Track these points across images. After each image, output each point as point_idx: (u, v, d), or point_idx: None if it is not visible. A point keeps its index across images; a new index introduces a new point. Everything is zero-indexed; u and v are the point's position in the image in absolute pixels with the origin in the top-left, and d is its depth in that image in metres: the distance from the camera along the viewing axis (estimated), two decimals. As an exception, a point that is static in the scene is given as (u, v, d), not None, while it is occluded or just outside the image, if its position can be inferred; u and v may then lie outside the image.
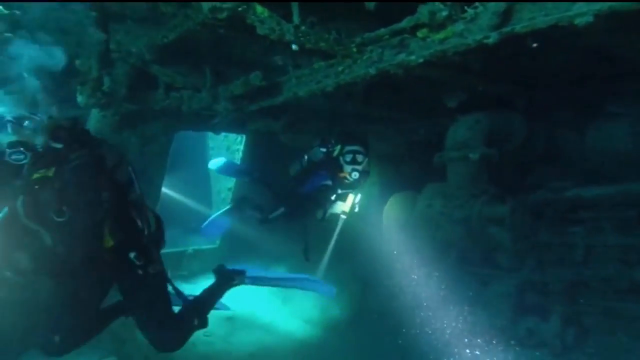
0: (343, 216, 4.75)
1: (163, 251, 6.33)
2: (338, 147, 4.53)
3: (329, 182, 4.55)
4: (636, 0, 1.58)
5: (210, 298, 2.98)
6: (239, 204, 5.11)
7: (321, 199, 4.61)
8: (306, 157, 4.72)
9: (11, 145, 1.98)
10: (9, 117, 2.03)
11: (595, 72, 3.92)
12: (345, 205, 4.69)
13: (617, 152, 4.23)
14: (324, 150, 4.59)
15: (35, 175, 1.98)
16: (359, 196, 4.75)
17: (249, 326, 5.28)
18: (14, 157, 1.97)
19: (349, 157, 4.46)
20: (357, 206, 4.76)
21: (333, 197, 4.65)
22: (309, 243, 4.78)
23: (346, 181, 4.53)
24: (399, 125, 5.32)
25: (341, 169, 4.51)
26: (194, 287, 5.71)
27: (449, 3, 2.12)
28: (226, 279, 3.08)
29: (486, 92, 4.02)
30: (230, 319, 5.28)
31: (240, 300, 5.57)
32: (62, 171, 2.02)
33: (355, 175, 4.44)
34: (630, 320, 3.79)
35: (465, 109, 4.25)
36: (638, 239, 3.69)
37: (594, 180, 4.09)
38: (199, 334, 4.88)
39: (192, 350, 4.70)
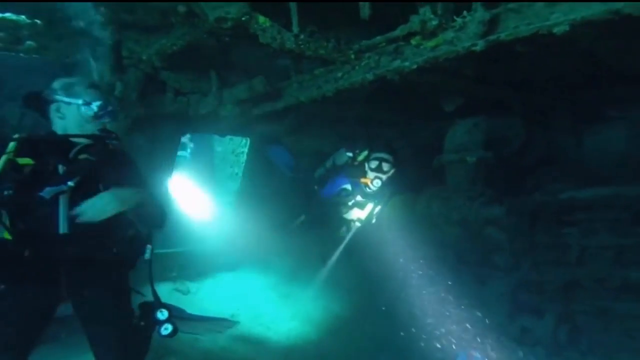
0: (357, 223, 4.45)
1: (169, 250, 6.41)
2: (364, 153, 4.35)
3: (348, 187, 4.35)
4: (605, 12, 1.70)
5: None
6: None
7: (339, 204, 4.40)
8: (332, 160, 4.55)
9: (108, 132, 2.23)
10: (111, 108, 2.24)
11: (592, 76, 4.03)
12: (361, 212, 4.41)
13: (615, 155, 4.33)
14: (350, 154, 4.41)
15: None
16: (378, 208, 4.45)
17: (252, 323, 5.40)
18: (114, 142, 2.21)
19: (374, 164, 4.24)
20: (375, 217, 4.46)
21: (350, 203, 4.39)
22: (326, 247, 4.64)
23: (368, 190, 4.31)
24: (402, 129, 5.42)
25: (364, 175, 4.29)
26: (199, 286, 5.91)
27: (439, 13, 2.26)
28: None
29: (484, 97, 4.14)
30: (233, 316, 5.42)
31: (242, 298, 5.75)
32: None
33: (377, 183, 4.19)
34: (623, 319, 3.87)
35: (464, 113, 4.37)
36: (631, 240, 3.77)
37: (592, 182, 4.19)
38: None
39: (196, 346, 4.84)
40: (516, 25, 2.04)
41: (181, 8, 2.28)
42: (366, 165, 4.29)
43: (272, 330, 5.39)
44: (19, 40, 2.56)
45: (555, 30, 1.87)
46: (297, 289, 6.01)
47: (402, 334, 4.49)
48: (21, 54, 2.61)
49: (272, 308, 5.71)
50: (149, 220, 2.33)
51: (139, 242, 2.29)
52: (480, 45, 2.18)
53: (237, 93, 3.65)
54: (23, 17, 2.53)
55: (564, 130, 4.64)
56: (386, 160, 4.25)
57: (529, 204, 4.26)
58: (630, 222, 3.81)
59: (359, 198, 4.39)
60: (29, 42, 2.56)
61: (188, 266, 5.95)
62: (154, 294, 2.38)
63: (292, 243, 5.53)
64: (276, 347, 5.10)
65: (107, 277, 2.25)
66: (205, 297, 5.77)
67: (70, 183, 2.04)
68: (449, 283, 4.32)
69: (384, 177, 4.23)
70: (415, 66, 2.63)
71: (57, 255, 2.07)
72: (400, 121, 5.18)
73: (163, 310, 2.35)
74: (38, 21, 2.55)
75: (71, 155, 2.11)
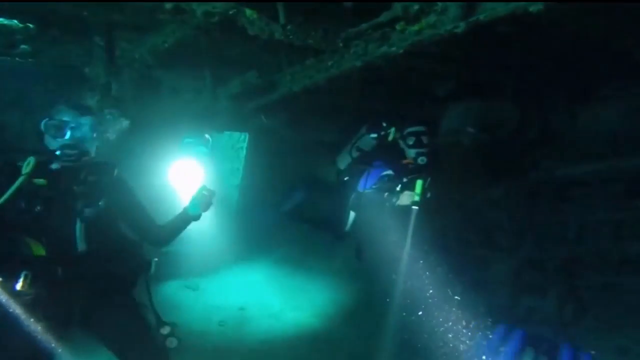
0: (414, 207, 3.88)
1: (177, 248, 6.54)
2: (392, 130, 4.00)
3: (390, 172, 4.00)
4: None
5: None
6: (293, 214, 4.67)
7: (384, 192, 3.96)
8: (355, 146, 4.23)
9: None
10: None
11: (584, 56, 4.03)
12: (414, 194, 3.86)
13: (609, 133, 4.34)
14: (375, 136, 4.06)
15: None
16: (428, 180, 3.97)
17: (260, 315, 5.51)
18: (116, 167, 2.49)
19: (412, 140, 3.88)
20: (428, 192, 3.98)
21: (398, 188, 3.96)
22: (362, 239, 4.19)
23: (411, 166, 3.97)
24: (398, 116, 5.41)
25: (403, 155, 3.95)
26: (208, 282, 6.01)
27: (419, -3, 2.30)
28: None
29: (477, 80, 4.16)
30: (242, 309, 5.53)
31: (250, 291, 5.85)
32: None
33: (423, 160, 3.84)
34: (626, 294, 3.90)
35: (458, 97, 4.39)
36: (628, 214, 3.80)
37: (587, 159, 4.21)
38: (212, 324, 5.21)
39: (207, 339, 4.95)
40: (494, 6, 2.08)
41: (168, 4, 2.35)
42: (401, 143, 3.95)
43: (280, 322, 5.50)
44: (13, 45, 2.64)
45: (531, 9, 1.90)
46: (305, 280, 6.11)
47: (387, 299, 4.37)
48: (17, 59, 2.69)
49: (280, 300, 5.82)
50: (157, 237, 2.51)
51: (145, 260, 2.43)
52: (461, 27, 2.22)
53: (231, 87, 3.71)
54: (15, 21, 2.61)
55: (558, 109, 4.65)
56: (423, 133, 3.92)
57: (526, 183, 4.30)
58: (626, 195, 3.85)
59: (404, 180, 3.99)
60: (23, 47, 2.64)
61: (196, 262, 6.07)
62: (155, 312, 2.48)
63: (297, 232, 5.60)
64: (284, 338, 5.21)
65: (118, 294, 2.35)
66: (214, 292, 5.90)
67: (100, 203, 2.18)
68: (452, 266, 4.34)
69: (427, 150, 3.88)
70: (401, 51, 2.67)
71: (76, 273, 2.16)
72: (396, 109, 5.20)
73: (165, 326, 2.45)
74: (30, 25, 2.63)
75: (82, 176, 2.22)
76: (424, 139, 3.89)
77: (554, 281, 4.11)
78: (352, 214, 4.16)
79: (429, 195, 3.95)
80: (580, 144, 4.51)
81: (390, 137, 3.97)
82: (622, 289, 3.90)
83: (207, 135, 6.21)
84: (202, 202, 2.49)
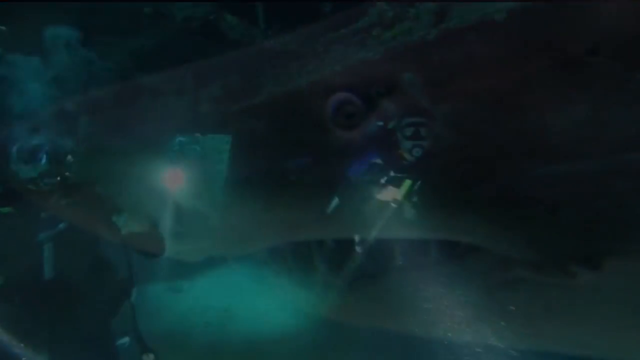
0: (393, 205, 3.76)
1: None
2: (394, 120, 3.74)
3: (379, 161, 3.85)
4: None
5: None
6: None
7: (371, 183, 3.82)
8: None
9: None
10: None
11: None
12: (397, 191, 3.75)
13: (582, 134, 4.48)
14: (381, 124, 3.77)
15: None
16: (418, 183, 3.81)
17: (245, 315, 5.56)
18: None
19: (409, 131, 3.68)
20: (416, 196, 3.81)
21: (383, 180, 3.83)
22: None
23: (404, 161, 3.78)
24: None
25: (397, 146, 3.76)
26: (191, 283, 6.04)
27: (393, 3, 2.39)
28: None
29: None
30: (227, 310, 5.57)
31: (235, 293, 5.90)
32: None
33: (418, 151, 3.66)
34: (593, 290, 4.03)
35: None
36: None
37: (560, 160, 4.34)
38: (197, 324, 5.24)
39: (195, 341, 5.00)
40: (463, 13, 2.18)
41: (147, 9, 2.38)
42: (399, 135, 3.72)
43: (266, 323, 5.55)
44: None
45: (496, 17, 2.00)
46: (289, 279, 6.16)
47: None
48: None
49: (266, 301, 5.86)
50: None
51: (124, 286, 2.36)
52: (432, 34, 2.32)
53: (213, 90, 3.75)
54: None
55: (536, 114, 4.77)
56: (423, 124, 3.69)
57: (499, 183, 4.39)
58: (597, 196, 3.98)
59: (392, 174, 3.83)
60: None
61: (180, 263, 6.06)
62: (139, 338, 2.43)
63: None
64: (270, 339, 5.26)
65: (91, 323, 2.37)
66: (198, 294, 5.93)
67: (61, 226, 2.09)
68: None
69: (423, 143, 3.67)
70: (378, 56, 2.77)
71: (41, 301, 2.17)
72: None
73: (149, 353, 2.42)
74: (3, 27, 2.61)
75: (52, 201, 2.21)
76: (423, 131, 3.65)
77: (524, 278, 4.23)
78: (335, 200, 3.97)
79: (414, 199, 3.75)
80: (552, 145, 4.65)
81: (390, 126, 3.75)
82: (589, 286, 4.02)
83: (198, 134, 6.19)
84: None
